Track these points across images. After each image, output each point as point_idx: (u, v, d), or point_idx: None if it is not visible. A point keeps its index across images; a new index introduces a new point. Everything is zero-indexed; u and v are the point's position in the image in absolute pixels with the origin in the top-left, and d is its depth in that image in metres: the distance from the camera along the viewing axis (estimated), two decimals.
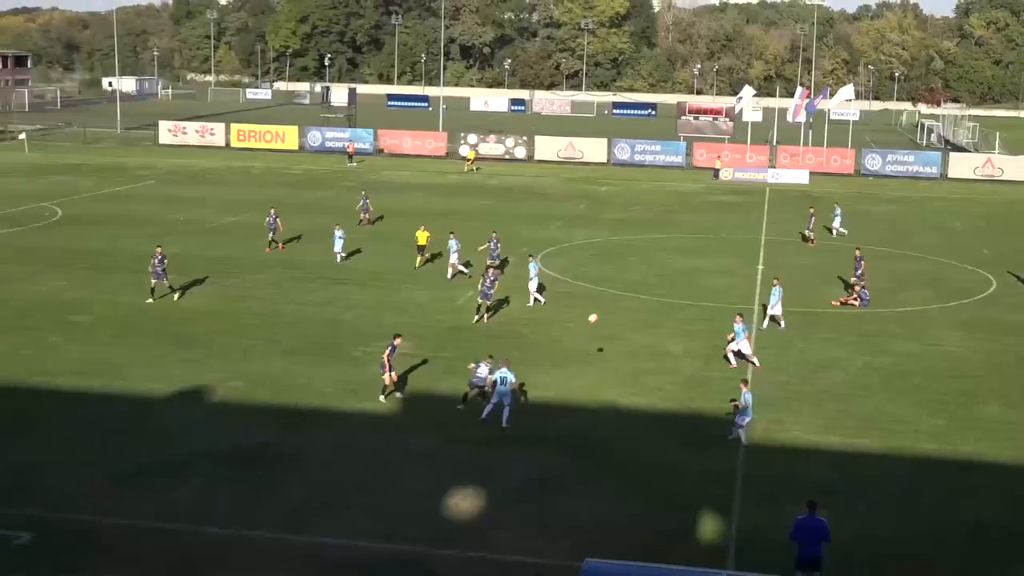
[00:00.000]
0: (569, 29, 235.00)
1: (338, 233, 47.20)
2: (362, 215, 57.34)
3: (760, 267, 48.84)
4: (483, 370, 28.14)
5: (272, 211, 50.52)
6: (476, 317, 37.20)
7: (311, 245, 50.10)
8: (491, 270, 37.12)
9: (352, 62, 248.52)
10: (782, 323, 37.56)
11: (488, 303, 37.32)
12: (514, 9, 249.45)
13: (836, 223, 57.75)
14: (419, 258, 46.65)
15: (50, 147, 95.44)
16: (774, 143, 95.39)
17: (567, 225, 59.46)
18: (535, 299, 39.94)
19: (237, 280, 43.55)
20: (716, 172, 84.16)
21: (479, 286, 37.70)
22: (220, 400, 29.43)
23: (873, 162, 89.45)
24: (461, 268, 43.83)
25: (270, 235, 49.44)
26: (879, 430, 28.22)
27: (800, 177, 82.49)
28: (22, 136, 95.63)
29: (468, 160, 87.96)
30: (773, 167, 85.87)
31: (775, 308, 37.44)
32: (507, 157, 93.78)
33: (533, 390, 30.64)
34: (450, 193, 72.01)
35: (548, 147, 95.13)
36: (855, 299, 41.38)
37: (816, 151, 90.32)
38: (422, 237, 46.89)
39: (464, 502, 23.33)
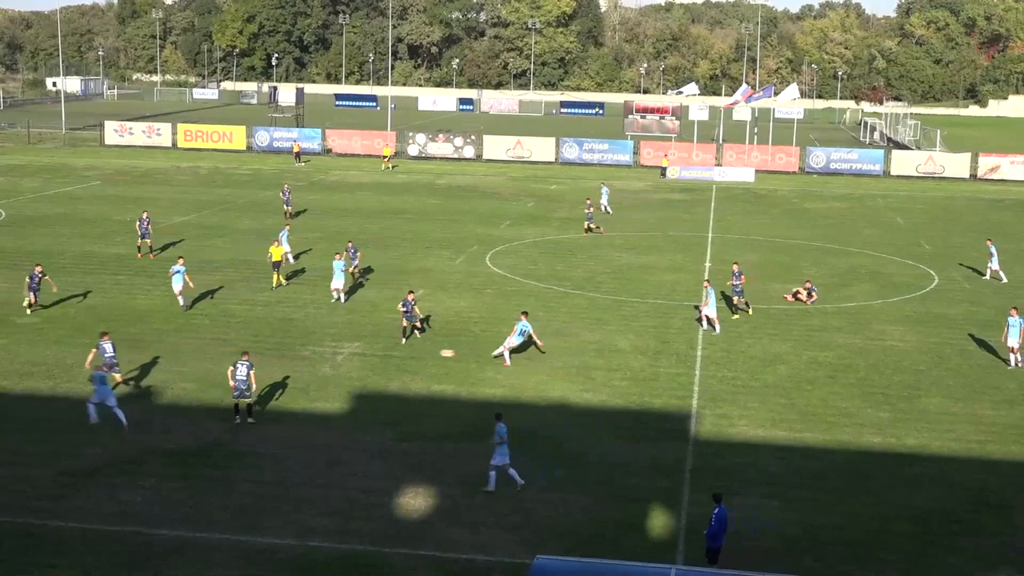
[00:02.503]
0: (516, 28, 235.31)
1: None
2: (285, 208, 58.01)
3: (707, 264, 49.36)
4: (242, 370, 27.50)
5: (144, 215, 48.88)
6: (404, 339, 35.14)
7: (263, 245, 49.75)
8: (410, 294, 35.84)
9: (299, 62, 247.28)
10: (717, 327, 37.18)
11: (415, 323, 35.82)
12: (462, 8, 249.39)
13: (603, 200, 60.14)
14: (276, 276, 42.38)
15: None
16: (720, 141, 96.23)
17: (516, 223, 59.73)
18: (338, 295, 39.87)
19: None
20: (663, 170, 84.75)
21: (400, 308, 35.61)
22: (171, 400, 29.37)
23: (817, 160, 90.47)
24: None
25: (140, 240, 47.74)
26: (824, 423, 28.74)
27: (746, 175, 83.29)
28: None
29: (384, 158, 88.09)
30: (719, 165, 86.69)
31: (710, 310, 37.27)
32: (456, 156, 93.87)
33: (484, 386, 30.93)
34: (400, 192, 72.01)
35: (496, 146, 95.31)
36: (804, 293, 41.84)
37: (761, 149, 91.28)
38: (276, 253, 42.64)
39: (416, 499, 23.51)
